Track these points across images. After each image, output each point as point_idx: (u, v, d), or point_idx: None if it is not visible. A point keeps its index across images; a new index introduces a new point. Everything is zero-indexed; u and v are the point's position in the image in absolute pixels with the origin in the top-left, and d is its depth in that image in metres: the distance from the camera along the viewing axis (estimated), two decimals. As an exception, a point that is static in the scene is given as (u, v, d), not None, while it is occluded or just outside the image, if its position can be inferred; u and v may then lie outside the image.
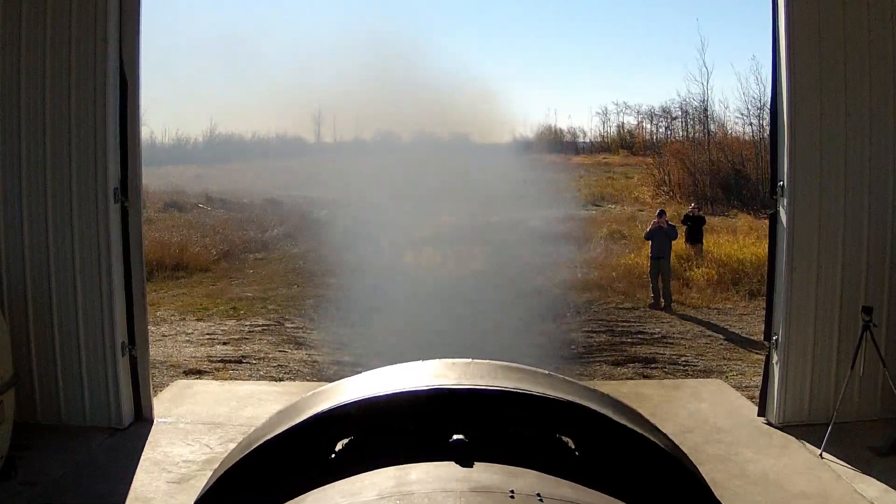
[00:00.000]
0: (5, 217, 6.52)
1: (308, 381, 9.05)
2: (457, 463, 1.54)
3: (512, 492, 1.39)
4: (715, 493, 1.87)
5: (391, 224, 16.20)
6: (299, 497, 1.52)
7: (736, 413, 7.22)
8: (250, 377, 9.32)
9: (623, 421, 1.83)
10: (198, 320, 12.28)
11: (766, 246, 7.40)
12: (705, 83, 43.58)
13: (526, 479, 1.47)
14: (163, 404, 7.36)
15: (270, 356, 10.28)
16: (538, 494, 1.38)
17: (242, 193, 28.68)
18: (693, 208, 17.81)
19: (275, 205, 26.17)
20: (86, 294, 6.58)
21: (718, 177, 29.04)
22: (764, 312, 7.47)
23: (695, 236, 16.39)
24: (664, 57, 75.80)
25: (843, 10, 6.44)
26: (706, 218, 18.23)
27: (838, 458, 6.03)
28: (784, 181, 6.63)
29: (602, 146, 49.84)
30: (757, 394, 7.40)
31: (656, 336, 11.39)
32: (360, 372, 2.04)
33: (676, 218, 17.07)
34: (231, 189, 29.38)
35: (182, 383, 8.44)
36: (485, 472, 1.50)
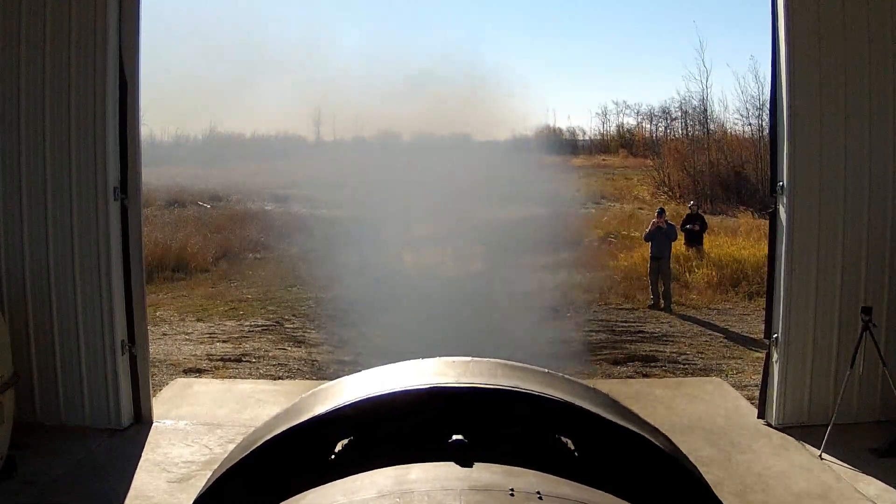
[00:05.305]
0: (5, 216, 6.51)
1: (308, 379, 9.05)
2: (456, 463, 1.54)
3: (512, 490, 1.39)
4: (715, 494, 1.87)
5: (391, 224, 16.20)
6: (298, 495, 1.52)
7: (735, 414, 7.22)
8: (250, 375, 9.33)
9: (622, 421, 1.84)
10: (198, 320, 12.28)
11: (766, 246, 7.41)
12: (704, 82, 43.50)
13: (526, 478, 1.47)
14: (162, 404, 7.35)
15: (270, 355, 10.28)
16: (538, 493, 1.38)
17: (242, 193, 28.67)
18: (692, 206, 17.89)
19: (274, 204, 26.17)
20: (85, 293, 6.58)
21: (718, 177, 29.07)
22: (764, 313, 7.47)
23: (695, 238, 16.39)
24: (664, 57, 75.75)
25: (842, 9, 6.45)
26: (707, 222, 18.04)
27: (838, 458, 6.03)
28: (784, 181, 6.63)
29: (601, 146, 49.75)
30: (756, 393, 7.40)
31: (656, 335, 11.40)
32: (360, 370, 2.04)
33: (675, 217, 17.06)
34: (231, 188, 29.36)
35: (181, 382, 8.44)
36: (484, 472, 1.50)
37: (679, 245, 15.58)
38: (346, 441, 1.87)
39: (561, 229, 19.53)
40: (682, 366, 9.87)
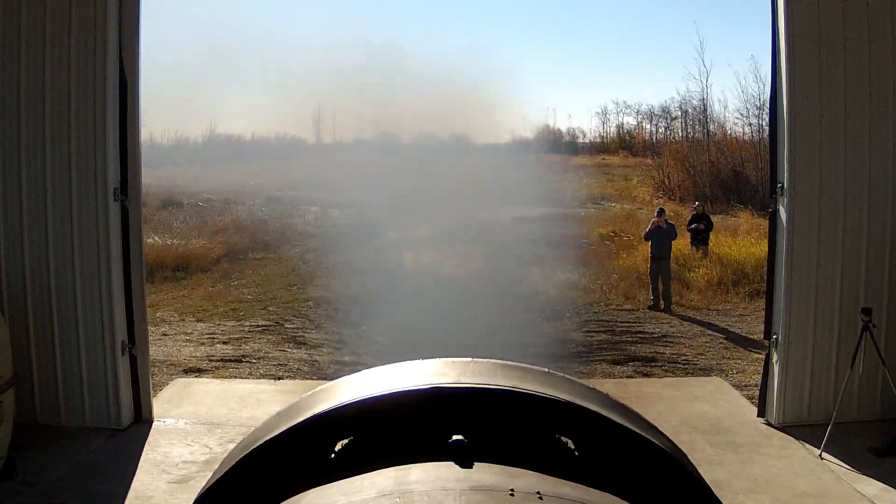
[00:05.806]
0: (5, 217, 6.52)
1: (307, 379, 9.04)
2: (456, 463, 1.54)
3: (512, 490, 1.39)
4: (715, 494, 1.87)
5: (391, 224, 16.21)
6: (298, 495, 1.52)
7: (735, 413, 7.22)
8: (250, 375, 9.32)
9: (623, 421, 1.83)
10: (198, 321, 12.28)
11: (766, 246, 7.41)
12: (704, 82, 43.50)
13: (526, 479, 1.47)
14: (162, 404, 7.35)
15: (270, 355, 10.28)
16: (538, 493, 1.38)
17: (242, 193, 28.68)
18: (697, 206, 17.94)
19: (274, 205, 26.18)
20: (86, 293, 6.58)
21: (718, 178, 29.06)
22: (764, 313, 7.47)
23: (701, 238, 16.39)
24: (664, 57, 75.84)
25: (842, 9, 6.45)
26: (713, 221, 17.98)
27: (838, 458, 6.03)
28: (784, 181, 6.63)
29: (601, 147, 49.78)
30: (756, 392, 7.40)
31: (656, 336, 11.39)
32: (360, 370, 2.03)
33: (675, 218, 17.05)
34: (231, 189, 29.36)
35: (181, 382, 8.44)
36: (484, 472, 1.50)
37: (685, 245, 15.56)
38: (346, 441, 1.87)
39: (561, 229, 19.55)
40: (682, 366, 9.87)
